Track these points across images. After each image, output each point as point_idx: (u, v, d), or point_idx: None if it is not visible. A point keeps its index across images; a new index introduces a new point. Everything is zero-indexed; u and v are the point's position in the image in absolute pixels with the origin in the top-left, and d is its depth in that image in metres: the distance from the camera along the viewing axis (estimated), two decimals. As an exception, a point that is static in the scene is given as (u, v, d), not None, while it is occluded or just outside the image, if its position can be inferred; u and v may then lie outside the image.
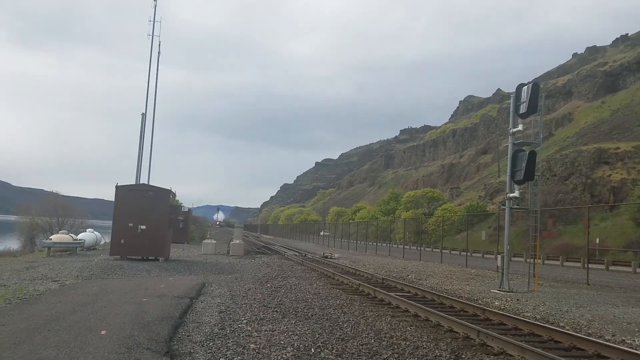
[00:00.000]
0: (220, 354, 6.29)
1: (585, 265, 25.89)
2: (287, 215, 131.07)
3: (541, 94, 15.02)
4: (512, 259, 16.03)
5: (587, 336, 8.23)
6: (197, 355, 6.21)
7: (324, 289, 13.57)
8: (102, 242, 31.00)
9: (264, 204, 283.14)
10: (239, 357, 6.18)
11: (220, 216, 43.12)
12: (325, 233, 68.45)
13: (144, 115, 26.17)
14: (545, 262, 32.58)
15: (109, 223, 19.52)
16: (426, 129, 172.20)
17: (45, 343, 5.99)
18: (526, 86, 14.90)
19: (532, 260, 16.69)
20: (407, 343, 7.37)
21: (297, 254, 32.40)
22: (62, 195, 54.03)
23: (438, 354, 6.83)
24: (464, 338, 7.93)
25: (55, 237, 23.38)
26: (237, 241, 28.07)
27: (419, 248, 38.95)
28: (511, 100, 15.45)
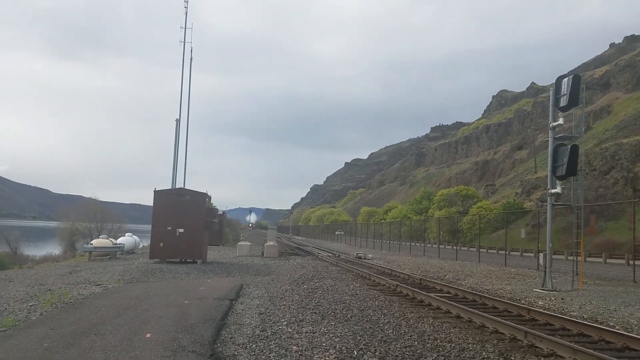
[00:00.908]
0: (263, 356, 6.27)
1: (630, 262, 24.94)
2: (318, 216, 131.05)
3: (582, 86, 14.50)
4: (553, 256, 15.47)
5: (640, 336, 7.90)
6: (241, 357, 6.21)
7: (361, 290, 13.45)
8: (141, 246, 31.68)
9: (295, 205, 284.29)
10: (282, 360, 6.15)
11: (252, 218, 43.60)
12: (340, 232, 73.34)
13: (178, 120, 26.63)
14: (587, 259, 31.49)
15: (146, 227, 19.95)
16: (458, 125, 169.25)
17: (93, 347, 6.10)
18: (566, 78, 14.43)
19: (574, 257, 16.15)
20: (452, 345, 7.19)
21: (330, 254, 32.35)
22: (100, 200, 55.68)
23: (485, 356, 6.64)
24: (510, 339, 7.69)
25: (96, 242, 24.03)
26: (271, 243, 28.23)
27: (454, 247, 38.32)
28: (551, 93, 15.00)
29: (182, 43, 27.26)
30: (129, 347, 6.14)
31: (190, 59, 27.63)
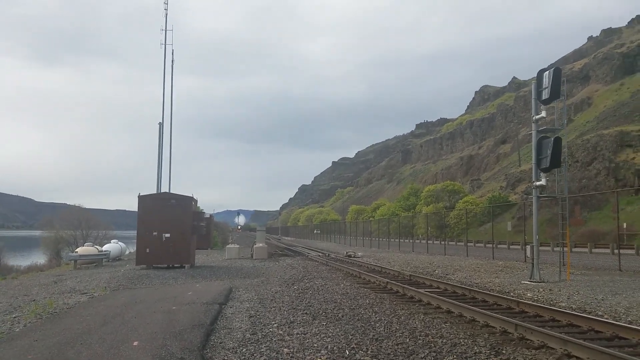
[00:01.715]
0: (254, 360, 6.18)
1: (615, 251, 25.29)
2: (307, 216, 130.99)
3: (563, 78, 14.64)
4: (540, 248, 15.66)
5: (629, 324, 7.99)
6: (231, 362, 6.12)
7: (352, 288, 13.42)
8: (127, 252, 31.31)
9: (283, 206, 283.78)
10: (273, 363, 6.07)
11: (241, 220, 43.31)
12: (317, 232, 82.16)
13: (161, 124, 26.38)
14: (573, 249, 31.90)
15: (133, 233, 19.66)
16: (442, 121, 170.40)
17: (79, 357, 5.96)
18: (547, 71, 14.55)
19: (560, 248, 16.29)
20: (444, 341, 7.18)
21: (320, 254, 32.29)
22: (85, 208, 54.97)
23: (477, 350, 6.62)
24: (501, 332, 7.71)
25: (80, 250, 23.63)
26: (260, 244, 28.08)
27: (442, 242, 38.53)
28: (532, 87, 15.11)
29: (163, 46, 27.01)
30: (115, 356, 6.01)
31: (172, 61, 27.44)
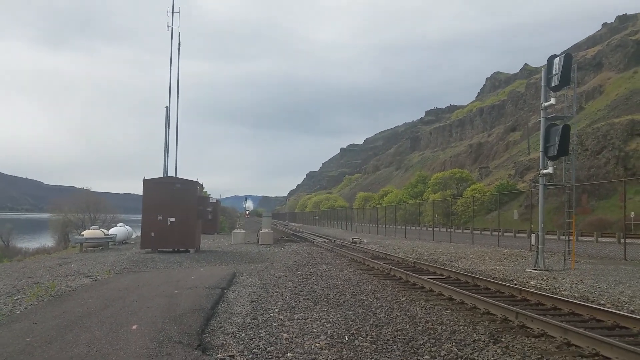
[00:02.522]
0: (253, 345, 6.19)
1: (621, 241, 25.08)
2: (314, 203, 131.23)
3: (574, 65, 14.36)
4: (545, 236, 15.58)
5: (630, 314, 7.90)
6: (230, 347, 6.13)
7: (355, 274, 13.41)
8: (134, 236, 31.54)
9: (291, 192, 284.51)
10: (272, 347, 6.07)
11: (249, 204, 43.36)
12: (315, 218, 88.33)
13: (167, 108, 26.34)
14: (579, 238, 31.69)
15: (140, 217, 19.76)
16: (452, 108, 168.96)
17: (77, 340, 5.99)
18: (558, 57, 14.28)
19: (566, 237, 16.17)
20: (444, 328, 7.14)
21: (326, 240, 32.35)
22: (93, 191, 55.35)
23: (476, 337, 6.58)
24: (502, 320, 7.66)
25: (86, 233, 23.82)
26: (266, 230, 28.18)
27: (448, 230, 38.45)
28: (542, 73, 14.86)
29: (170, 28, 26.86)
30: (114, 339, 6.04)
31: (179, 44, 27.29)
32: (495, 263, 16.80)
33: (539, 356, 5.83)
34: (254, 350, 5.99)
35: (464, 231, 44.52)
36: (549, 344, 6.34)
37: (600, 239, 31.17)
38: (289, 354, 5.83)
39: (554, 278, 12.53)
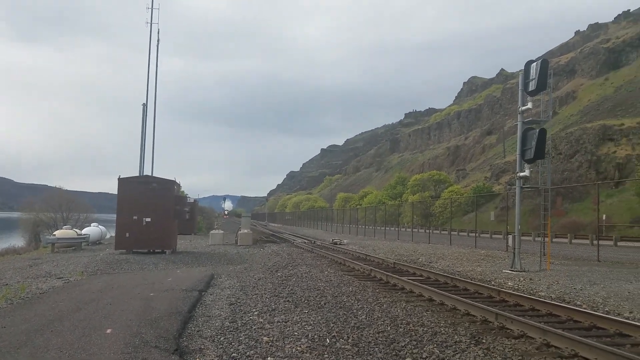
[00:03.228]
0: (232, 349, 6.04)
1: (594, 242, 25.62)
2: (294, 203, 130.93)
3: (550, 70, 14.59)
4: (521, 238, 15.88)
5: (606, 314, 8.04)
6: (208, 351, 5.97)
7: (336, 276, 13.33)
8: (108, 236, 30.88)
9: (271, 193, 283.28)
10: (252, 352, 5.93)
11: (227, 205, 42.86)
12: (288, 218, 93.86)
13: (144, 105, 25.85)
14: (554, 240, 32.29)
15: (114, 217, 19.30)
16: (431, 111, 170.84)
17: (47, 345, 5.75)
18: (535, 63, 14.49)
19: (541, 239, 16.40)
20: (425, 329, 7.11)
21: (306, 241, 32.23)
22: (66, 190, 53.92)
23: (458, 339, 6.57)
24: (482, 321, 7.68)
25: (59, 233, 23.18)
26: (245, 230, 27.90)
27: (427, 231, 38.71)
28: (520, 78, 15.05)
29: (149, 24, 26.38)
30: (87, 344, 5.82)
31: (157, 41, 26.82)
32: (473, 264, 16.94)
33: (519, 357, 5.84)
34: (233, 354, 5.84)
35: (442, 232, 44.93)
36: (529, 345, 6.36)
37: (573, 241, 31.82)
38: (269, 358, 5.71)
39: (530, 279, 12.68)
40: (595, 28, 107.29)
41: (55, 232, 23.96)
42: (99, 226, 29.54)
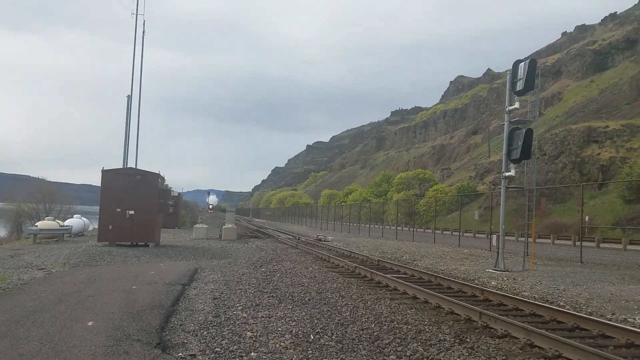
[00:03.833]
0: (215, 344, 5.99)
1: (577, 243, 25.96)
2: (279, 199, 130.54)
3: (538, 70, 14.69)
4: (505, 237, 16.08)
5: (589, 315, 8.09)
6: (191, 345, 5.91)
7: (320, 272, 13.32)
8: (91, 228, 30.49)
9: (255, 188, 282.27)
10: (235, 347, 5.89)
11: (212, 199, 42.61)
12: (268, 213, 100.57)
13: (129, 97, 25.52)
14: (537, 240, 32.63)
15: (97, 208, 19.05)
16: (417, 110, 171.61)
17: (28, 336, 5.64)
18: (523, 63, 14.56)
19: (524, 239, 16.54)
20: (409, 327, 7.12)
21: (290, 237, 32.17)
22: (49, 181, 53.14)
23: (442, 337, 6.59)
24: (465, 320, 7.71)
25: (41, 224, 22.83)
26: (230, 225, 27.75)
27: (411, 229, 38.89)
28: (507, 78, 15.11)
29: (135, 15, 26.01)
30: (68, 336, 5.72)
31: (143, 32, 26.49)
32: (457, 262, 17.06)
33: (503, 357, 5.86)
34: (217, 349, 5.79)
35: (426, 230, 45.20)
36: (513, 344, 6.39)
37: (556, 241, 32.18)
38: (252, 354, 5.67)
39: (514, 279, 12.79)
40: (582, 30, 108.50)
41: (38, 223, 23.59)
42: (82, 218, 29.14)
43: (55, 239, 22.04)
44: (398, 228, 39.45)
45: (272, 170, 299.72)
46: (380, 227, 43.78)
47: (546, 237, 33.73)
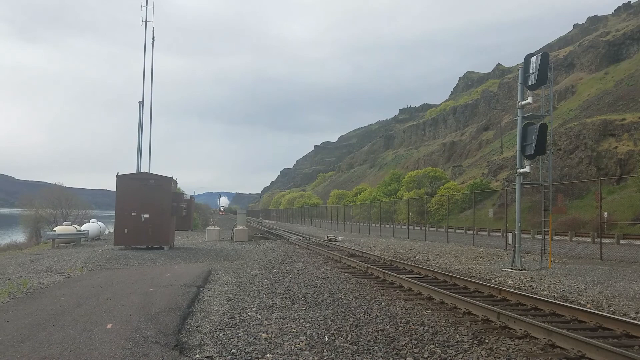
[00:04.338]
0: (231, 345, 6.01)
1: (596, 240, 25.59)
2: (288, 200, 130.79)
3: (550, 64, 14.49)
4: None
5: (612, 314, 7.89)
6: (208, 347, 5.93)
7: (332, 273, 13.30)
8: (107, 232, 30.83)
9: (265, 189, 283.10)
10: (251, 348, 5.90)
11: (223, 201, 42.68)
12: (282, 214, 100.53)
13: (141, 103, 25.66)
14: (554, 237, 32.21)
15: (113, 213, 19.27)
16: (426, 107, 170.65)
17: (50, 340, 5.72)
18: (535, 56, 14.38)
19: (541, 236, 16.33)
20: (425, 328, 7.07)
21: (300, 238, 32.20)
22: (65, 187, 53.94)
23: (459, 339, 6.52)
24: (483, 321, 7.62)
25: (59, 229, 23.19)
26: (241, 227, 27.85)
27: (423, 228, 38.68)
28: (519, 72, 14.94)
29: (144, 23, 26.16)
30: (88, 339, 5.78)
31: (152, 39, 26.60)
32: (472, 262, 16.91)
33: (524, 358, 5.78)
34: (233, 350, 5.81)
35: (438, 230, 44.94)
36: (534, 345, 6.29)
37: (574, 239, 31.76)
38: (268, 355, 5.67)
39: (531, 277, 12.63)
40: (595, 21, 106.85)
41: (56, 228, 23.98)
42: (98, 222, 29.49)
43: (73, 243, 22.35)
44: (409, 227, 39.27)
45: (280, 172, 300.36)
46: (391, 226, 43.63)
47: (564, 234, 33.30)
